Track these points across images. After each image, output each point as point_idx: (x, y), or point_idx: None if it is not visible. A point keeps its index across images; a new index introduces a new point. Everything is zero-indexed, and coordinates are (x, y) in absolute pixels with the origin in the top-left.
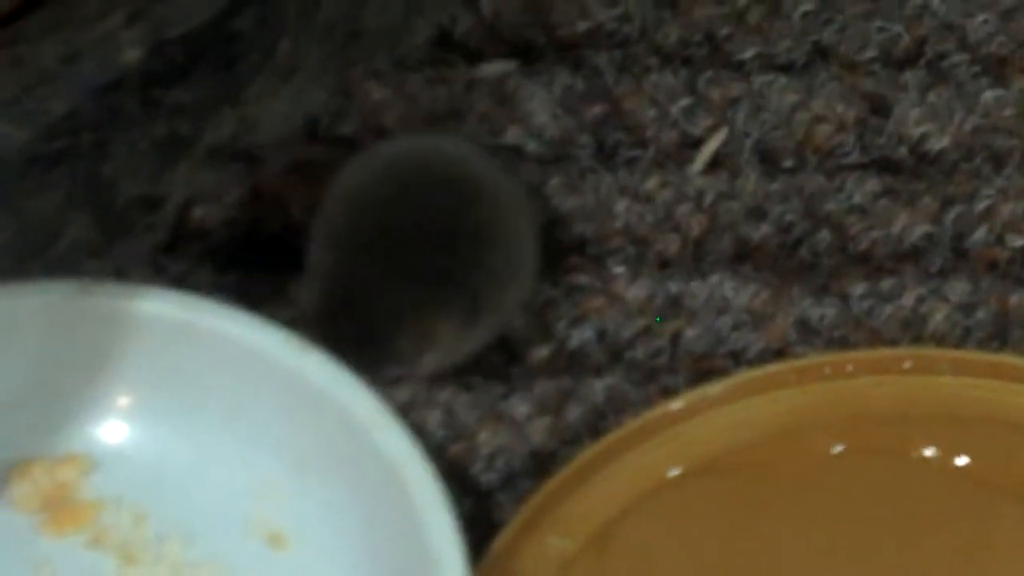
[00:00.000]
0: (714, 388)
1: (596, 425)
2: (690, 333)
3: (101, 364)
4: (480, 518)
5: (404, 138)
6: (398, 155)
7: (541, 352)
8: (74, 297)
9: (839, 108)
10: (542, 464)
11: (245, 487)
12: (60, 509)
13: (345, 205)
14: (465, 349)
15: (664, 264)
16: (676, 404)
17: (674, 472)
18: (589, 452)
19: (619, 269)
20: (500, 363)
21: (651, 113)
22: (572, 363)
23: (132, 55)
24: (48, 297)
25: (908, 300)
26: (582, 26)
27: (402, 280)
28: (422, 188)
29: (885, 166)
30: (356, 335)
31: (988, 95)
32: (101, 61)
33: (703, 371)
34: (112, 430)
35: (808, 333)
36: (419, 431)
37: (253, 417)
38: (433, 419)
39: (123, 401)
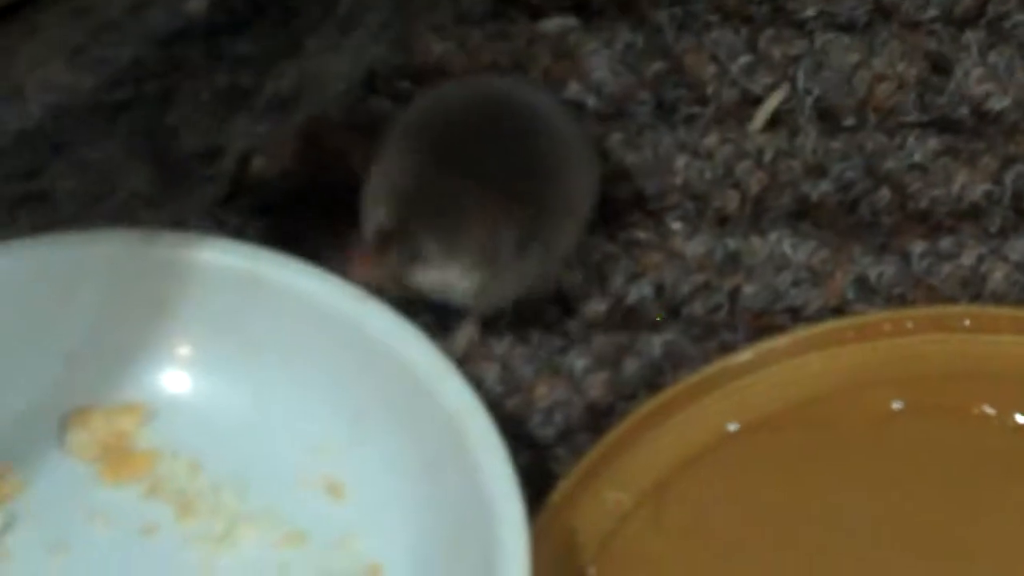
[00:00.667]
0: (773, 343)
1: (653, 380)
2: (748, 289)
3: (161, 313)
4: (537, 472)
5: (475, 78)
6: (470, 87)
7: (598, 307)
8: (135, 246)
9: (900, 67)
10: (599, 418)
11: (303, 437)
12: (117, 458)
13: (420, 120)
14: (517, 281)
15: (723, 221)
16: (735, 359)
17: (732, 427)
18: (647, 406)
19: (677, 225)
20: (557, 317)
21: (711, 70)
22: (629, 318)
23: (196, 5)
24: (110, 246)
25: (968, 259)
26: None
27: (468, 191)
28: (490, 116)
29: (945, 125)
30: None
31: None
32: (166, 10)
33: (761, 327)
34: (171, 379)
35: (867, 291)
36: (476, 385)
37: (311, 367)
38: (490, 373)
39: (183, 351)
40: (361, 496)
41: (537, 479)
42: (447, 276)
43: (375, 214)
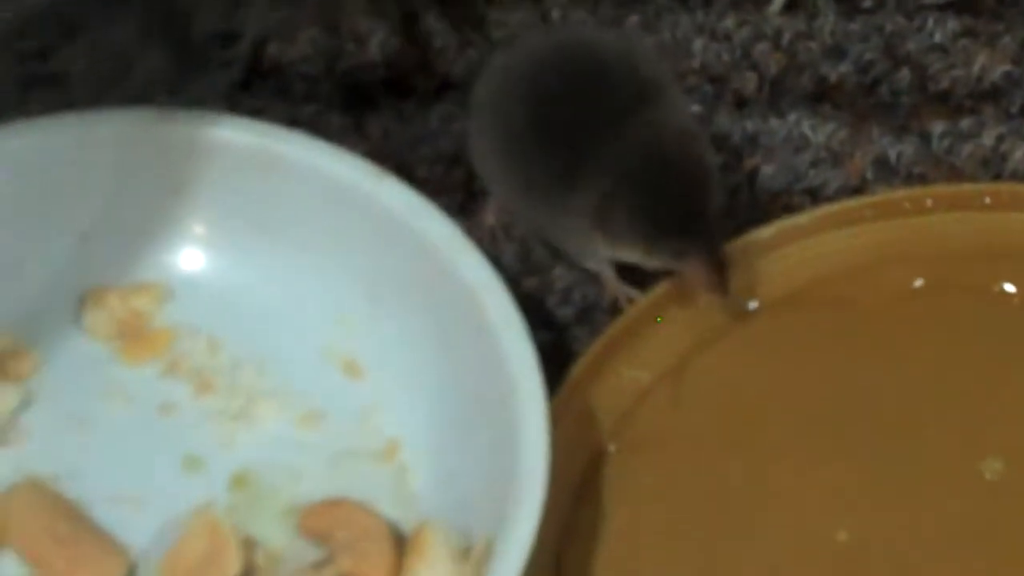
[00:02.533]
0: (794, 221)
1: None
2: (768, 170)
3: (178, 192)
4: (556, 351)
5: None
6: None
7: None
8: (152, 124)
9: None
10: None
11: (320, 315)
12: (135, 337)
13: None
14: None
15: (741, 103)
16: (754, 237)
17: (752, 305)
18: (669, 283)
19: (696, 107)
20: None
21: None
22: None
23: None
24: (126, 124)
25: (988, 139)
26: None
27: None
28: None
29: (965, 7)
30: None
31: None
32: None
33: (780, 208)
34: (188, 258)
35: (886, 171)
36: (494, 265)
37: (329, 245)
38: (509, 252)
39: (199, 229)
40: (379, 373)
41: (555, 359)
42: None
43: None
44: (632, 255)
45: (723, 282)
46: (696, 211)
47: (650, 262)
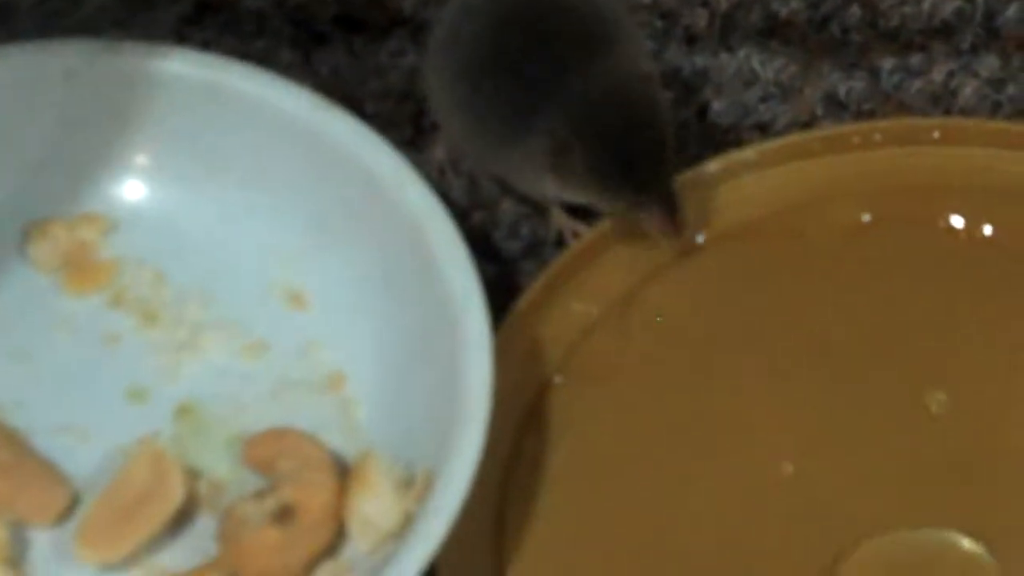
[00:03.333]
0: (742, 155)
1: None
2: (717, 105)
3: (122, 123)
4: (503, 285)
5: None
6: None
7: None
8: (97, 55)
9: None
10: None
11: (266, 248)
12: (79, 268)
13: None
14: None
15: (691, 39)
16: (703, 170)
17: (700, 238)
18: (614, 219)
19: (647, 44)
20: None
21: None
22: None
23: None
24: (70, 55)
25: (938, 75)
26: None
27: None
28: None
29: None
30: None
31: None
32: None
33: (730, 143)
34: (132, 189)
35: (836, 107)
36: (442, 199)
37: (275, 177)
38: (457, 187)
39: (142, 160)
40: (324, 305)
41: (503, 293)
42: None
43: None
44: (584, 199)
45: (678, 227)
46: (653, 160)
47: (603, 207)
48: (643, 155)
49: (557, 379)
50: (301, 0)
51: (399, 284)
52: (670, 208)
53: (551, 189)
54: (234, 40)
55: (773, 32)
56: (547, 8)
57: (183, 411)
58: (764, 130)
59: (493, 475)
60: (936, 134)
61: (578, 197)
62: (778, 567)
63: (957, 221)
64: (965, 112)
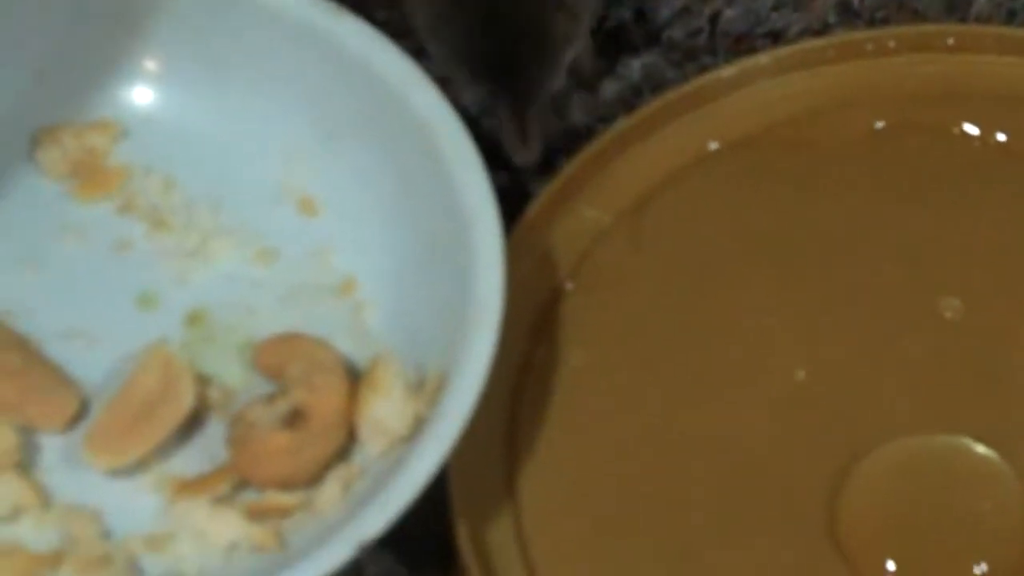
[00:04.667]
0: (755, 61)
1: (633, 103)
2: (729, 13)
3: (129, 27)
4: (514, 193)
5: None
6: None
7: None
8: None
9: None
10: (577, 140)
11: (276, 153)
12: (89, 175)
13: None
14: None
15: None
16: (715, 76)
17: (713, 146)
18: (626, 123)
19: None
20: None
21: None
22: (608, 42)
23: None
24: None
25: None
26: None
27: None
28: None
29: None
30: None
31: None
32: None
33: (742, 52)
34: (141, 95)
35: (849, 14)
36: (453, 105)
37: (285, 82)
38: (468, 93)
39: (151, 65)
40: (335, 211)
41: (514, 200)
42: None
43: None
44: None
45: (524, 136)
46: (508, 56)
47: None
48: (501, 45)
49: (568, 286)
50: None
51: (410, 189)
52: (516, 112)
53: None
54: None
55: None
56: None
57: (193, 317)
58: (776, 38)
59: (505, 381)
60: (950, 41)
61: (451, 75)
62: (791, 473)
63: (971, 128)
64: (979, 20)
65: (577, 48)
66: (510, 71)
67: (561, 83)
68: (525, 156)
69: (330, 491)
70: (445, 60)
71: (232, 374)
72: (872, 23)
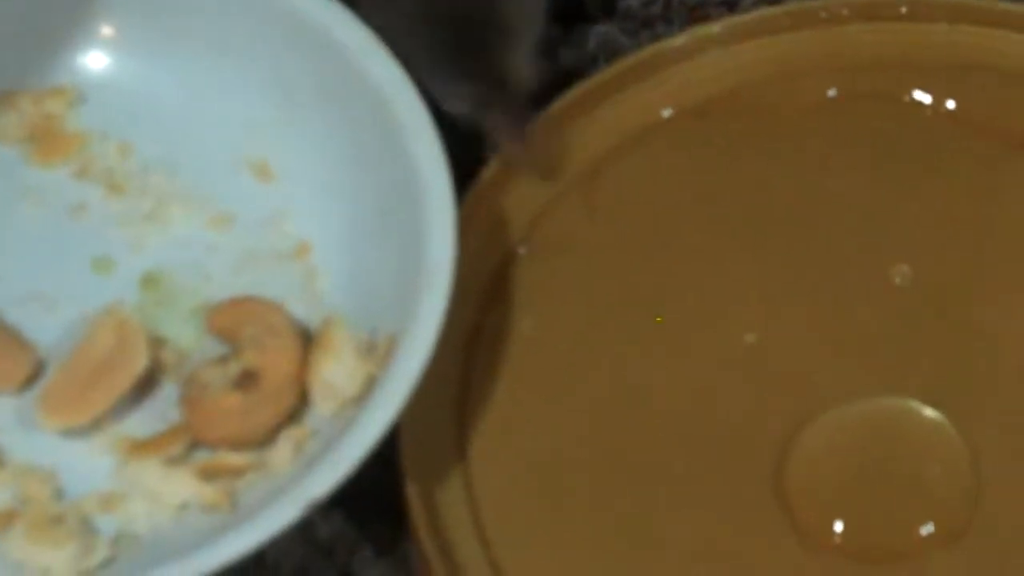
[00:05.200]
0: (708, 29)
1: (588, 71)
2: None
3: None
4: (468, 158)
5: None
6: None
7: None
8: None
9: None
10: (534, 106)
11: (231, 119)
12: (46, 140)
13: None
14: None
15: None
16: (669, 44)
17: (666, 113)
18: (580, 89)
19: None
20: None
21: None
22: (564, 11)
23: None
24: None
25: None
26: None
27: None
28: None
29: None
30: None
31: None
32: None
33: (697, 20)
34: (97, 61)
35: None
36: (405, 65)
37: (241, 48)
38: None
39: (108, 31)
40: (290, 177)
41: (468, 165)
42: None
43: None
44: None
45: (519, 128)
46: (483, 48)
47: (450, 106)
48: (474, 42)
49: (521, 250)
50: None
51: (365, 155)
52: (509, 106)
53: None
54: None
55: None
56: None
57: (148, 281)
58: (731, 7)
59: (457, 344)
60: (903, 9)
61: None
62: (740, 435)
63: (922, 96)
64: None
65: (539, 30)
66: (488, 67)
67: (532, 66)
68: (522, 149)
69: (282, 452)
70: (422, 63)
71: (186, 337)
72: None
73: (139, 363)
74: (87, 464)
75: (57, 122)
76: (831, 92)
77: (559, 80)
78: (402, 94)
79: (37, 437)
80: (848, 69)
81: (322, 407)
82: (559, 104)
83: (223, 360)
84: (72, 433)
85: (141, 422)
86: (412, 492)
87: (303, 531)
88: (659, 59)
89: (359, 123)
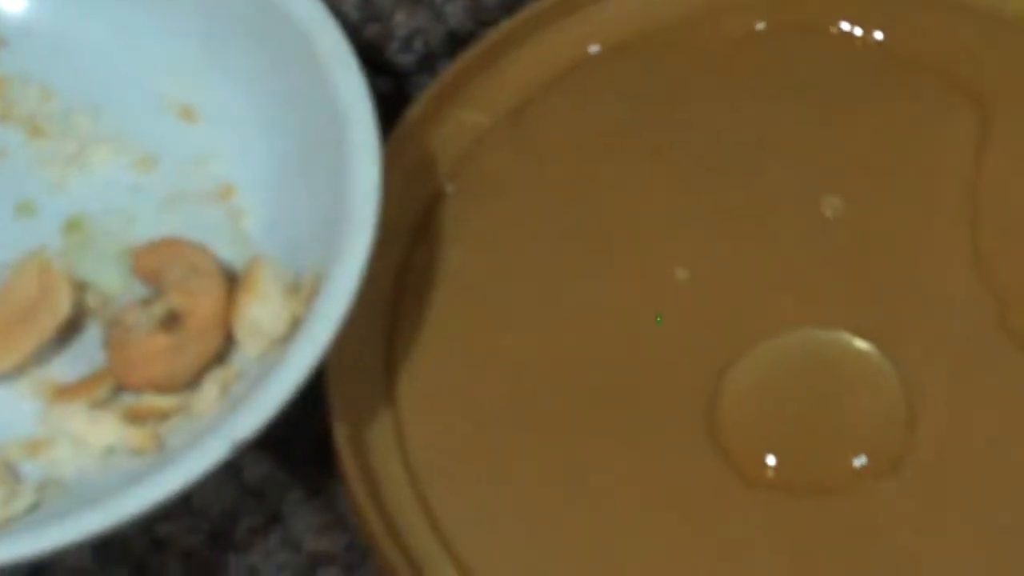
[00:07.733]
0: None
1: (515, 7)
2: None
3: None
4: (396, 99)
5: None
6: None
7: None
8: None
9: None
10: (460, 45)
11: (155, 62)
12: None
13: None
14: None
15: None
16: None
17: (594, 49)
18: (506, 27)
19: None
20: None
21: None
22: None
23: None
24: None
25: None
26: None
27: None
28: None
29: None
30: None
31: None
32: None
33: None
34: (14, 3)
35: None
36: (334, 14)
37: None
38: (349, 1)
39: None
40: (215, 118)
41: (396, 106)
42: None
43: None
44: None
45: None
46: None
47: None
48: None
49: (449, 188)
50: None
51: (289, 97)
52: None
53: None
54: None
55: None
56: None
57: (72, 225)
58: None
59: (384, 283)
60: None
61: None
62: (671, 371)
63: (850, 27)
64: None
65: None
66: None
67: None
68: None
69: (208, 394)
70: None
71: (111, 280)
72: None
73: (63, 308)
74: (11, 410)
75: None
76: (759, 25)
77: (484, 16)
78: (326, 32)
79: None
80: (775, 2)
81: (248, 348)
82: (486, 40)
83: (148, 302)
84: None
85: (66, 366)
86: (340, 433)
87: (231, 474)
88: None
89: (283, 62)
